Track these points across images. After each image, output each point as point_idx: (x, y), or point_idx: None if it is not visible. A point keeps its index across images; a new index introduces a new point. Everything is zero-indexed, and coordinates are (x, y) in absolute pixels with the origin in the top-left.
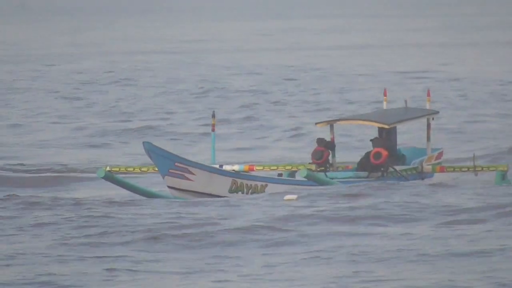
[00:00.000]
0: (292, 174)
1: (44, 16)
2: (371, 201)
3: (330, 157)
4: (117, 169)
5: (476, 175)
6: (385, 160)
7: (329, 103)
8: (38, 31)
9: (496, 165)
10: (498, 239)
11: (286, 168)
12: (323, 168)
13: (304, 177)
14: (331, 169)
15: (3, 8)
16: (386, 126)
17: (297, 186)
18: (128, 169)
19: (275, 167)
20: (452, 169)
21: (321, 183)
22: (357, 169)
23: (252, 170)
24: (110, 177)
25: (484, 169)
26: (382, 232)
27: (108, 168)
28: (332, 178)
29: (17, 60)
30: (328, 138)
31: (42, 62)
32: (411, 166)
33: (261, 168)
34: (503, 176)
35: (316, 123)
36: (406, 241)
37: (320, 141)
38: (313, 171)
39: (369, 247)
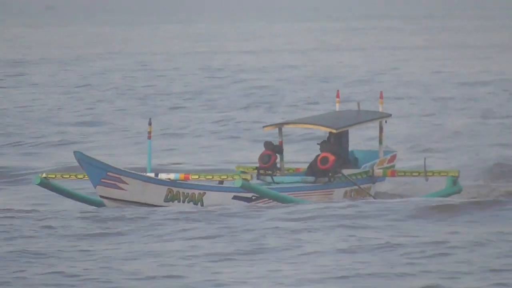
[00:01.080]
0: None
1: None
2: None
3: (278, 161)
4: (53, 176)
5: (426, 180)
6: (332, 165)
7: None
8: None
9: (447, 170)
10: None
11: (222, 177)
12: (270, 172)
13: (240, 187)
14: (278, 173)
15: (31, 10)
16: (334, 131)
17: (236, 194)
18: (64, 176)
19: (211, 176)
20: (403, 174)
21: (257, 193)
22: (306, 174)
23: (188, 178)
24: (46, 184)
25: (435, 174)
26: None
27: (44, 175)
28: (279, 183)
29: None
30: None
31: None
32: (361, 170)
33: (196, 176)
34: (454, 182)
35: (263, 127)
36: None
37: (268, 144)
38: (262, 174)
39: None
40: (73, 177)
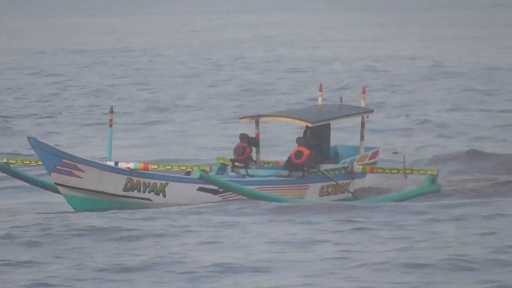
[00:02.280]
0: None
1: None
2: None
3: (253, 154)
4: (14, 161)
5: (405, 177)
6: (307, 159)
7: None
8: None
9: (426, 169)
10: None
11: (181, 168)
12: (244, 165)
13: (198, 179)
14: (254, 165)
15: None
16: (310, 125)
17: (202, 185)
18: (25, 162)
19: (170, 167)
20: (382, 171)
21: (216, 185)
22: (284, 168)
23: (147, 168)
24: (5, 169)
25: (414, 172)
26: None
27: (4, 160)
28: (253, 176)
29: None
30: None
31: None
32: (340, 166)
33: (156, 167)
34: (433, 180)
35: (240, 118)
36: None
37: (243, 137)
38: (237, 167)
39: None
40: (33, 163)
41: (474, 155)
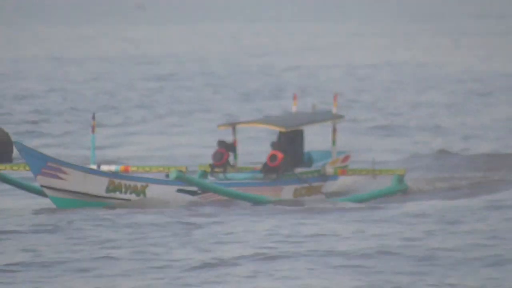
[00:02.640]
0: (205, 174)
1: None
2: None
3: (231, 159)
4: (3, 167)
5: (374, 178)
6: (280, 162)
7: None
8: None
9: (394, 169)
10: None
11: (159, 169)
12: (222, 169)
13: (174, 179)
14: (231, 170)
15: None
16: (283, 130)
17: (180, 187)
18: (14, 168)
19: (148, 168)
20: (352, 172)
21: (192, 184)
22: (260, 171)
23: (128, 170)
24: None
25: (382, 172)
26: None
27: None
28: (230, 179)
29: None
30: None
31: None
32: (313, 169)
33: (135, 169)
34: (400, 180)
35: (218, 126)
36: None
37: (221, 143)
38: (215, 172)
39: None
40: (22, 168)
41: (443, 155)
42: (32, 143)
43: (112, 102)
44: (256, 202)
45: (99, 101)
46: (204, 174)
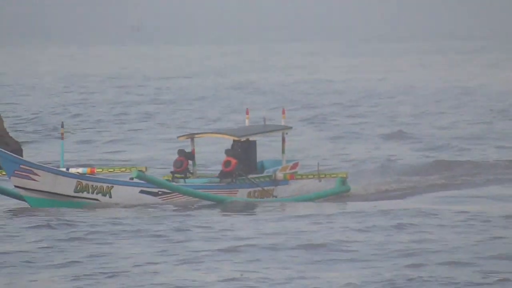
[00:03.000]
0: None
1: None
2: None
3: (191, 166)
4: None
5: (320, 181)
6: (234, 167)
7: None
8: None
9: (337, 173)
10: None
11: (121, 169)
12: (183, 176)
13: (135, 178)
14: (190, 176)
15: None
16: (236, 138)
17: (143, 188)
18: None
19: (112, 169)
20: (300, 177)
21: (151, 183)
22: (217, 176)
23: (94, 172)
24: None
25: (327, 176)
26: None
27: None
28: (189, 184)
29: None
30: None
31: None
32: (265, 174)
33: (100, 170)
34: (343, 182)
35: (178, 137)
36: None
37: (181, 152)
38: (177, 178)
39: None
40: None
41: (388, 162)
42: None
43: (81, 111)
44: (214, 201)
45: (67, 112)
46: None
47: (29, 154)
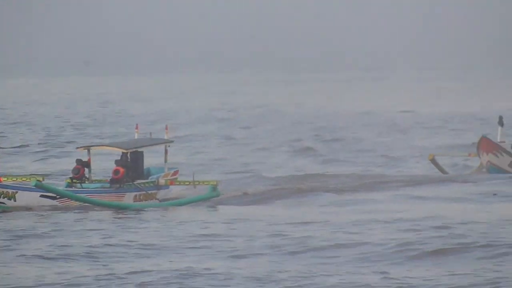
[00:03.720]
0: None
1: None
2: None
3: (87, 173)
4: None
5: (194, 187)
6: (122, 175)
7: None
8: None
9: (209, 180)
10: None
11: (23, 179)
12: (80, 181)
13: (34, 186)
14: (87, 181)
15: (69, 64)
16: (124, 150)
17: (43, 193)
18: None
19: (15, 178)
20: (178, 183)
21: (48, 191)
22: (109, 182)
23: (0, 180)
24: None
25: (200, 183)
26: None
27: None
28: (85, 188)
29: None
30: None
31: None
32: (149, 180)
33: (5, 179)
34: (214, 189)
35: (77, 148)
36: None
37: (78, 161)
38: (74, 183)
39: None
40: None
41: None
42: None
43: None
44: (99, 205)
45: None
46: (69, 185)
47: None
